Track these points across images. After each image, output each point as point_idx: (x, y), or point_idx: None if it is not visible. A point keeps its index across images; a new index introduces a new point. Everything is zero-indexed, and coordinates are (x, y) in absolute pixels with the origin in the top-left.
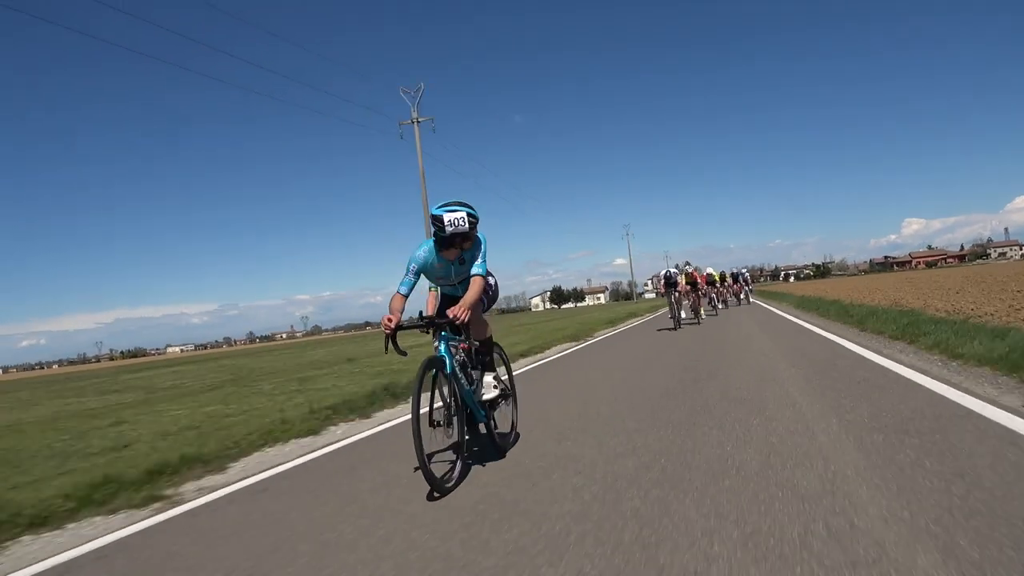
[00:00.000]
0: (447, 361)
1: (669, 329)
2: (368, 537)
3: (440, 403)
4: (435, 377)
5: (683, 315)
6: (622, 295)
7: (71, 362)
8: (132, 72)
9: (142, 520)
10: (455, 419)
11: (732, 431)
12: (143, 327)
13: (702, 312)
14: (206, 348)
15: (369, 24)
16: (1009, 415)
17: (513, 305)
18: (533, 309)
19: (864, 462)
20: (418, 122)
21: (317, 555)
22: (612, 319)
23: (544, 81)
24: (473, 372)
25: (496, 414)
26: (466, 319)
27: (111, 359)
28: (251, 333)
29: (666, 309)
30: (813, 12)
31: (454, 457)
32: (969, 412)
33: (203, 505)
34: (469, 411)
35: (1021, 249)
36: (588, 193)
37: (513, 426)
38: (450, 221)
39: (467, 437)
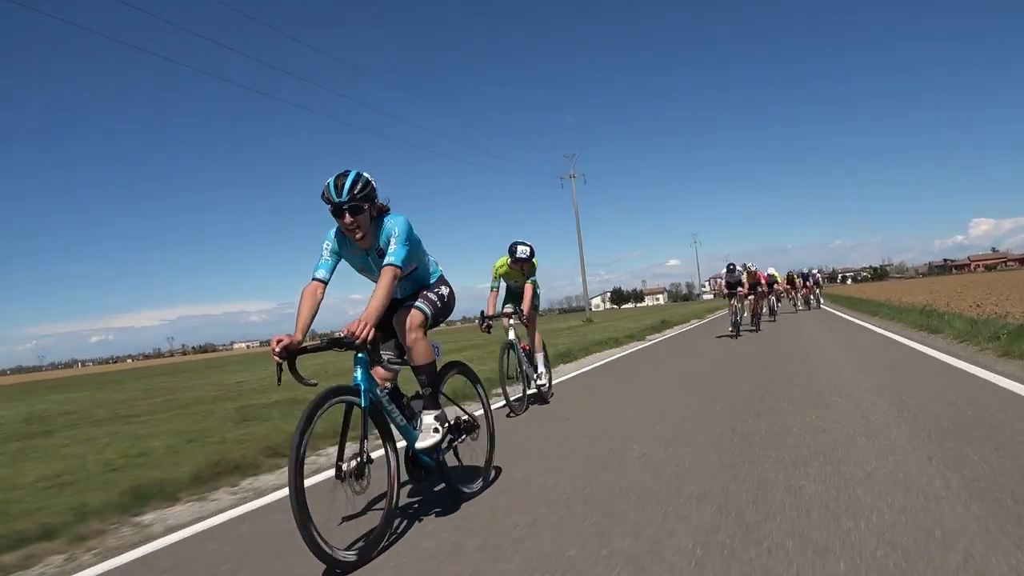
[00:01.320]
0: (361, 391)
1: (729, 336)
2: None
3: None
4: (348, 412)
5: (745, 318)
6: (680, 296)
7: (146, 356)
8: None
9: None
10: (367, 468)
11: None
12: (205, 324)
13: (766, 313)
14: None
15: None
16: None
17: (574, 305)
18: (594, 309)
19: None
20: (574, 178)
21: None
22: (666, 320)
23: (588, 74)
24: (414, 404)
25: (462, 447)
26: (367, 336)
27: (184, 354)
28: (313, 331)
29: (723, 311)
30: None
31: (374, 520)
32: None
33: None
34: (412, 453)
35: None
36: (642, 192)
37: (487, 464)
38: None
39: (402, 486)
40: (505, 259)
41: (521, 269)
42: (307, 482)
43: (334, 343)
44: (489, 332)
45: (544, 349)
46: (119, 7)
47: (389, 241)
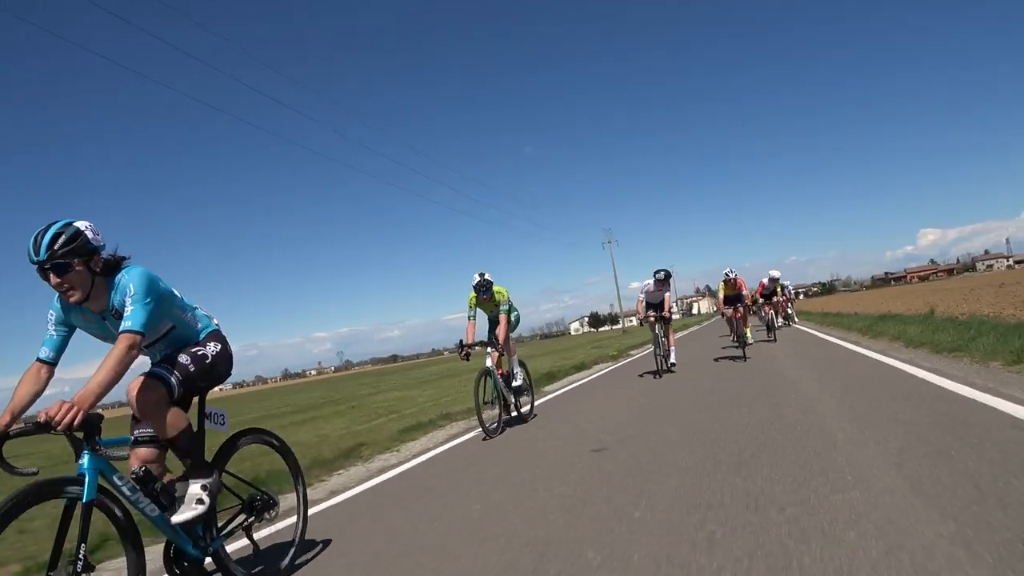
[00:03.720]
0: (87, 480)
1: (732, 358)
2: None
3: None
4: (69, 509)
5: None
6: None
7: None
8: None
9: None
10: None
11: None
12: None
13: (748, 336)
14: (243, 386)
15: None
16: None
17: (554, 330)
18: (573, 333)
19: None
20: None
21: None
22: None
23: (546, 100)
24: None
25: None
26: (71, 421)
27: None
28: (286, 370)
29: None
30: (826, 9)
31: None
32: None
33: None
34: (173, 550)
35: (1008, 260)
36: (598, 216)
37: (294, 547)
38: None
39: None
40: (473, 293)
41: (489, 299)
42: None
43: (40, 428)
44: (468, 359)
45: (527, 373)
46: None
47: (124, 301)
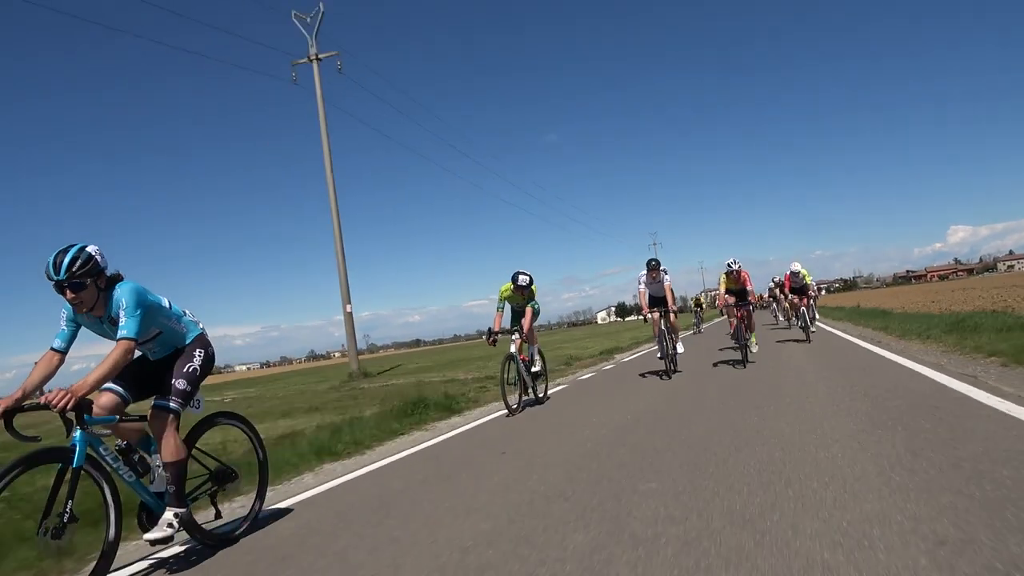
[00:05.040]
0: (76, 451)
1: (736, 363)
2: None
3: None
4: (61, 473)
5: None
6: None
7: None
8: None
9: None
10: (69, 528)
11: None
12: None
13: (753, 342)
14: (270, 366)
15: None
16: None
17: (581, 319)
18: (600, 322)
19: None
20: (318, 59)
21: None
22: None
23: (568, 94)
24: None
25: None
26: (66, 406)
27: None
28: (312, 351)
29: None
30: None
31: None
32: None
33: None
34: (147, 510)
35: None
36: (620, 207)
37: (254, 514)
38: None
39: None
40: (509, 285)
41: (522, 294)
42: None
43: (41, 407)
44: (495, 345)
45: (543, 360)
46: None
47: (119, 312)
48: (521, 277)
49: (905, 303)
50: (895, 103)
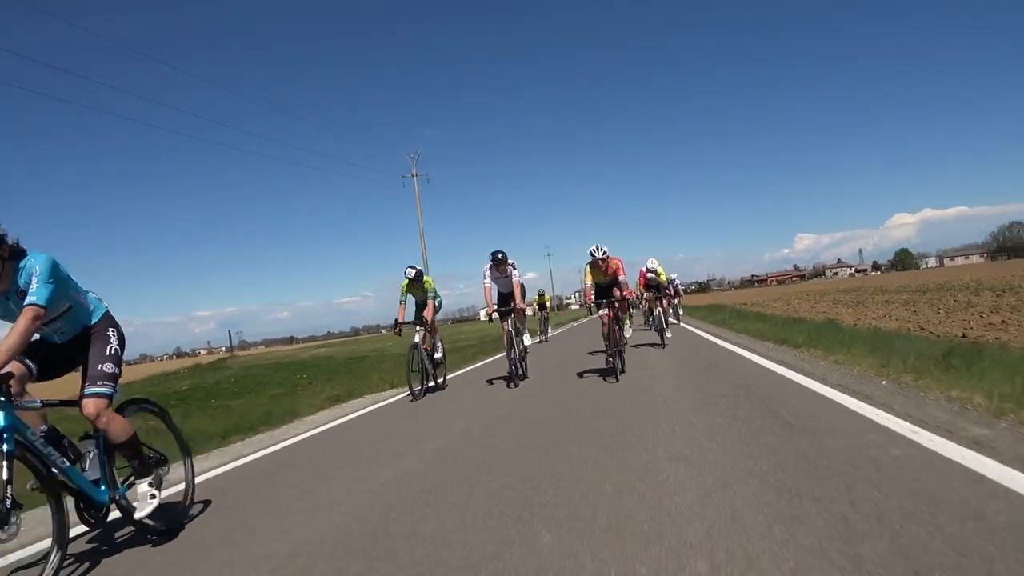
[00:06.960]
0: (4, 435)
1: (602, 373)
2: None
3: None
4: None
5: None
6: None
7: None
8: None
9: None
10: (14, 515)
11: None
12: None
13: (629, 330)
14: (129, 364)
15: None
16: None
17: (466, 315)
18: (483, 319)
19: None
20: (416, 176)
21: None
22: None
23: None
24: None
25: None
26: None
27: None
28: (178, 348)
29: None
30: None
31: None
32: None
33: None
34: (84, 499)
35: (850, 269)
36: (494, 209)
37: (187, 499)
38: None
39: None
40: (406, 281)
41: (418, 287)
42: None
43: None
44: (400, 335)
45: (443, 349)
46: None
47: (31, 281)
48: (408, 271)
49: (737, 301)
50: (764, 109)
